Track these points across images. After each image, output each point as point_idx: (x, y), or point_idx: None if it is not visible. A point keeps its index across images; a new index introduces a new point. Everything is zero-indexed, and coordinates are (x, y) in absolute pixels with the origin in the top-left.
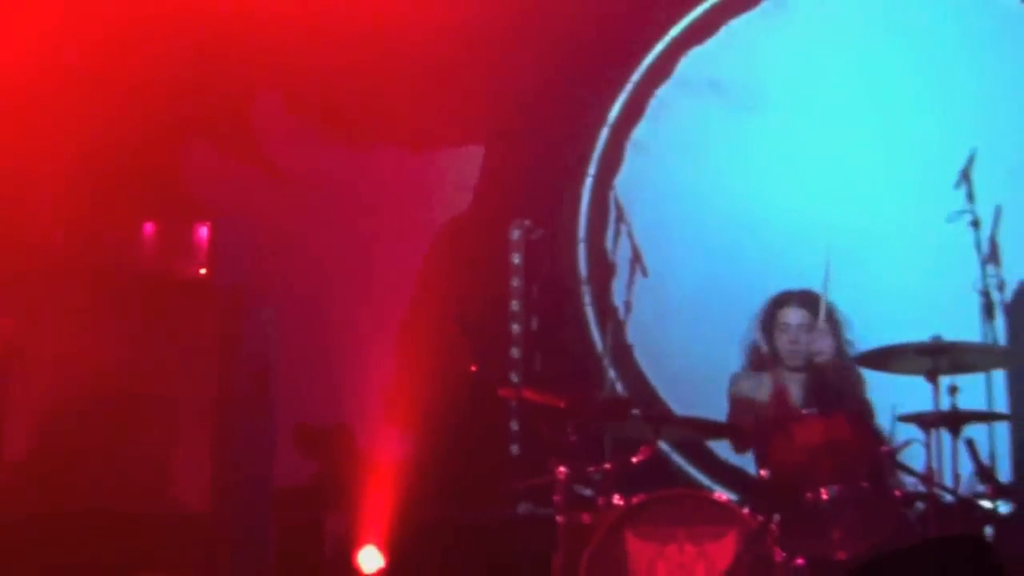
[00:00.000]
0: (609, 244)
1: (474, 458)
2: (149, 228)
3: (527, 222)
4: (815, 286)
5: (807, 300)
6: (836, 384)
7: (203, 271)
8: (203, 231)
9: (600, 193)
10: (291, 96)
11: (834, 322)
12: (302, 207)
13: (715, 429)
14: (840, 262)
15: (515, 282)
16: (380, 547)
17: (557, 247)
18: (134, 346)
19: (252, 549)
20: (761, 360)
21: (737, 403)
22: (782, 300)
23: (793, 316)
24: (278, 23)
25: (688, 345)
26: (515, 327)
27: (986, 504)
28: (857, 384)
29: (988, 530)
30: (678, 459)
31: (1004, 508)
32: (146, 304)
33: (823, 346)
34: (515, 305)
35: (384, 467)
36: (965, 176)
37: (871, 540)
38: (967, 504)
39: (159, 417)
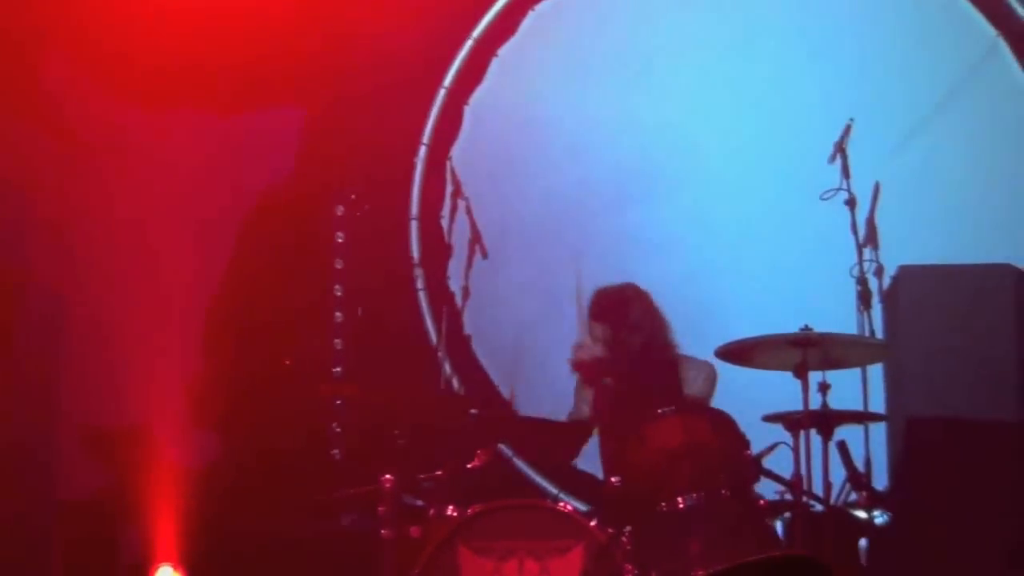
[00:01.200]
0: (445, 222)
1: (290, 464)
2: None
3: (353, 196)
4: (665, 272)
5: (606, 315)
6: (658, 383)
7: None
8: None
9: (435, 164)
10: (83, 51)
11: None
12: (93, 176)
13: (562, 431)
14: (703, 245)
15: (339, 264)
16: (179, 566)
17: (386, 225)
18: None
19: (33, 570)
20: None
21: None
22: (590, 311)
23: (596, 331)
24: None
25: (533, 336)
26: (338, 315)
27: (860, 514)
28: (695, 383)
29: (863, 543)
30: (521, 464)
31: (880, 518)
32: None
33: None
34: (338, 290)
35: (185, 475)
36: (840, 149)
37: (732, 555)
38: (839, 514)
39: None
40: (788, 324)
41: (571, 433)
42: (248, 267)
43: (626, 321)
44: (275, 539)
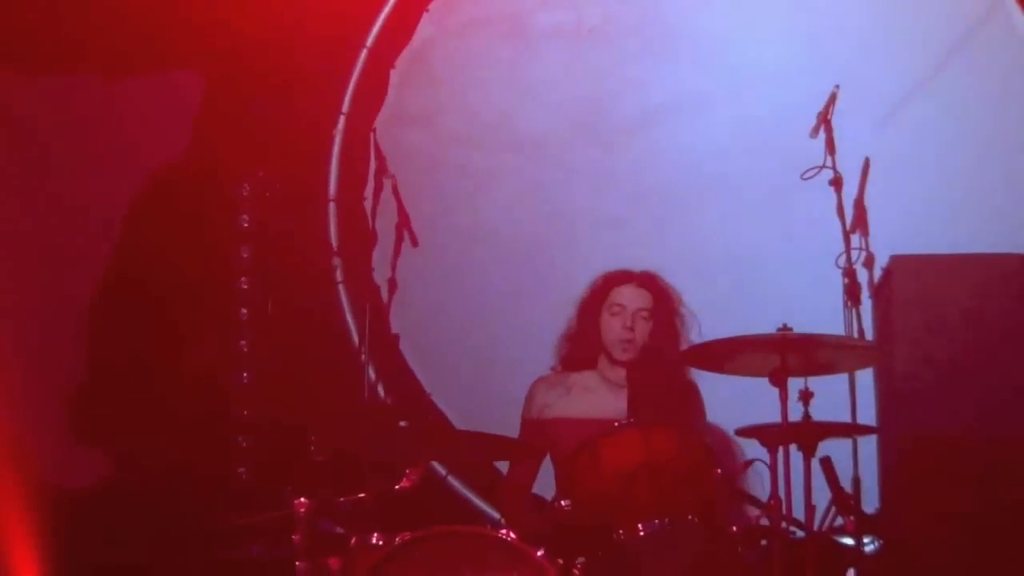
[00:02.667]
0: (368, 204)
1: (188, 485)
2: None
3: (260, 173)
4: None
5: (651, 283)
6: (671, 400)
7: None
8: None
9: (356, 137)
10: None
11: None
12: None
13: (505, 447)
14: (665, 231)
15: (245, 252)
16: None
17: (300, 207)
18: None
19: None
20: (576, 354)
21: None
22: (619, 278)
23: (631, 297)
24: None
25: (472, 337)
26: (244, 312)
27: (847, 541)
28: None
29: (850, 574)
30: (457, 485)
31: (870, 546)
32: None
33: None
34: (244, 283)
35: (64, 497)
36: (824, 121)
37: None
38: (823, 541)
39: None
40: (764, 323)
41: (514, 451)
42: (139, 257)
43: (669, 295)
44: (172, 572)
